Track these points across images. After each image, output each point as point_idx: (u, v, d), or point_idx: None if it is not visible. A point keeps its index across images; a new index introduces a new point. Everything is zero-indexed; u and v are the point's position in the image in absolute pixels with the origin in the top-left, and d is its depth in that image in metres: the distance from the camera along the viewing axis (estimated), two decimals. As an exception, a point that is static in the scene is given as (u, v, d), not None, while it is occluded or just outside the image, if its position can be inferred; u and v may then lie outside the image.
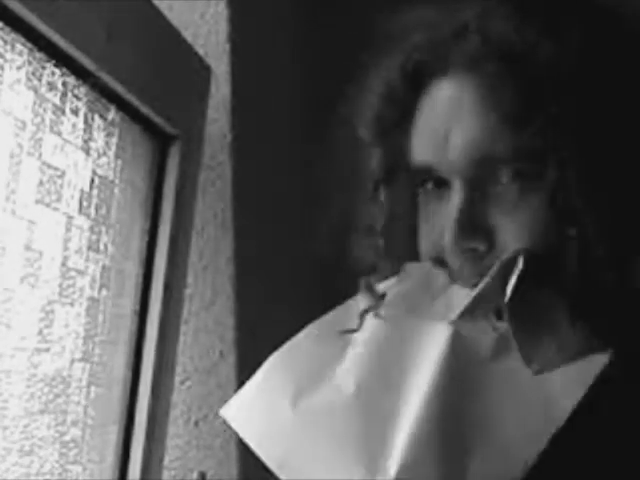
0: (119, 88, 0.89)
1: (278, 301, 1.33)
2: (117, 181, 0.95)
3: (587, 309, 0.62)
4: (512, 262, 0.63)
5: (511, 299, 0.62)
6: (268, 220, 1.32)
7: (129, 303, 1.01)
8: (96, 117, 0.89)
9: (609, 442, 0.63)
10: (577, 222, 0.62)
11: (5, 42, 0.72)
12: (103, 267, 0.93)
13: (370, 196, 0.72)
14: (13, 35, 0.73)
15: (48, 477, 0.84)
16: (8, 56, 0.73)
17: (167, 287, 1.04)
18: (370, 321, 0.70)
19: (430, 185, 0.68)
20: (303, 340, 0.74)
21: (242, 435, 0.71)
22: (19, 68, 0.75)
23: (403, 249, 0.72)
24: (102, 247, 0.92)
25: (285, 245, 1.35)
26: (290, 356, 0.73)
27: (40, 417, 0.82)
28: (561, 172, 0.62)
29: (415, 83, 0.69)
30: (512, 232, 0.64)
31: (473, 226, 0.64)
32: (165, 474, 1.12)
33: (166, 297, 1.04)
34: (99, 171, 0.91)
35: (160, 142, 1.05)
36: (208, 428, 1.15)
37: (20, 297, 0.77)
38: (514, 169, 0.64)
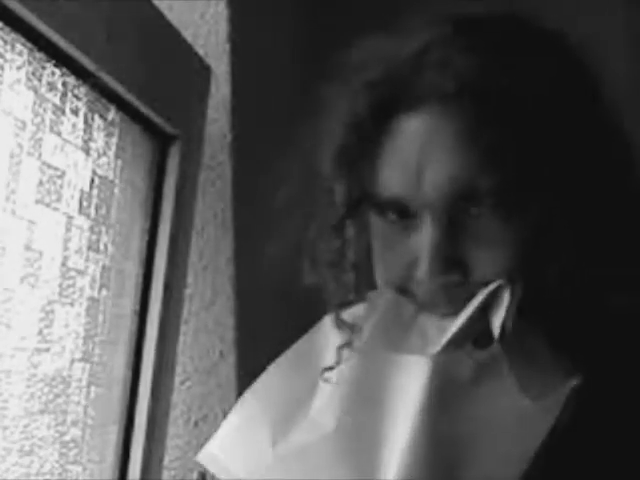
0: (119, 88, 0.89)
1: (278, 301, 1.33)
2: (117, 181, 0.95)
3: (562, 335, 0.64)
4: (493, 294, 0.64)
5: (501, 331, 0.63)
6: (268, 220, 1.32)
7: (129, 303, 1.01)
8: (96, 117, 0.89)
9: (588, 460, 0.65)
10: (558, 256, 0.64)
11: (5, 42, 0.72)
12: (103, 267, 0.93)
13: (334, 231, 0.72)
14: (13, 35, 0.73)
15: (48, 477, 0.84)
16: (8, 56, 0.73)
17: (167, 287, 1.04)
18: (347, 356, 0.69)
19: (393, 215, 0.68)
20: (273, 375, 0.73)
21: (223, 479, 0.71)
22: (19, 68, 0.75)
23: (368, 280, 0.72)
24: (102, 247, 0.93)
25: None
26: (263, 393, 0.73)
27: (40, 417, 0.82)
28: (544, 208, 0.64)
29: (380, 116, 0.68)
30: (486, 264, 0.65)
31: (448, 259, 0.65)
32: (165, 474, 1.12)
33: (166, 297, 1.04)
34: (99, 171, 0.91)
35: (160, 142, 1.05)
36: (208, 428, 1.15)
37: (20, 297, 0.77)
38: (489, 203, 0.65)
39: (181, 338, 1.13)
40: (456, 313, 0.65)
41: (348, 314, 0.71)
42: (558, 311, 0.64)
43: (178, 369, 1.12)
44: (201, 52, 1.14)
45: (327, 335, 0.72)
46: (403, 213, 0.67)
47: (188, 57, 1.08)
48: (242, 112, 1.21)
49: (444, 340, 0.64)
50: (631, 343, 0.66)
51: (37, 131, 0.78)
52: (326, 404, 0.68)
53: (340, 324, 0.71)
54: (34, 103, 0.77)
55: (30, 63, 0.76)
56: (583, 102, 0.67)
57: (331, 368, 0.69)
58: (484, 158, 0.64)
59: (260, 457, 0.68)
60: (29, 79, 0.76)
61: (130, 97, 0.92)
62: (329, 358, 0.70)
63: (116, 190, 0.95)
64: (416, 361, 0.65)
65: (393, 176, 0.67)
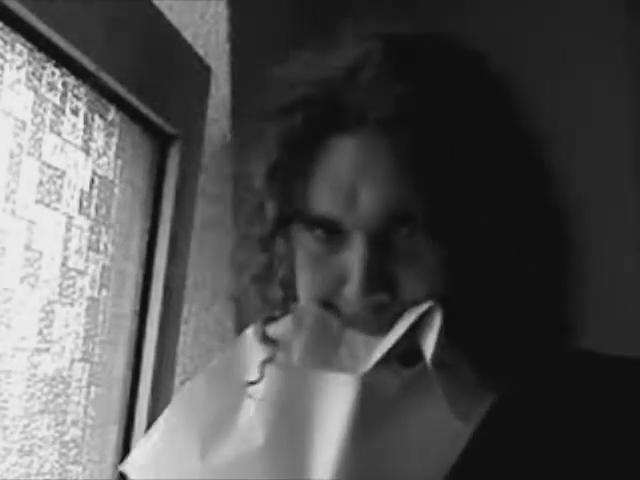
0: (119, 88, 0.89)
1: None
2: (117, 181, 0.95)
3: (481, 354, 0.66)
4: (423, 315, 0.65)
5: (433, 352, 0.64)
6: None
7: (129, 303, 1.01)
8: (96, 117, 0.89)
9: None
10: (484, 279, 0.66)
11: (5, 42, 0.72)
12: (103, 267, 0.93)
13: (262, 245, 0.72)
14: (13, 35, 0.73)
15: (48, 477, 0.84)
16: (8, 56, 0.73)
17: (167, 287, 1.04)
18: (273, 372, 0.70)
19: (322, 233, 0.68)
20: (198, 387, 0.73)
21: None
22: (19, 68, 0.75)
23: (294, 296, 0.72)
24: (102, 247, 0.93)
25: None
26: (190, 404, 0.73)
27: (40, 417, 0.82)
28: (472, 232, 0.65)
29: (314, 134, 0.68)
30: (415, 284, 0.66)
31: (377, 279, 0.66)
32: (165, 474, 1.12)
33: (166, 297, 1.04)
34: (99, 171, 0.91)
35: (160, 142, 1.05)
36: (208, 428, 1.15)
37: (20, 297, 0.77)
38: (421, 225, 0.66)
39: (181, 338, 1.13)
40: (382, 331, 0.66)
41: (273, 329, 0.71)
42: (481, 330, 0.66)
43: (178, 369, 1.12)
44: (201, 52, 1.14)
45: (251, 349, 0.72)
46: (333, 231, 0.68)
47: (188, 57, 1.08)
48: (242, 112, 1.21)
49: (374, 359, 0.65)
50: (541, 363, 0.68)
51: (37, 131, 0.78)
52: (253, 418, 0.69)
53: (264, 339, 0.71)
54: (34, 103, 0.77)
55: (30, 63, 0.76)
56: (503, 126, 0.68)
57: (254, 383, 0.69)
58: (417, 182, 0.64)
59: (189, 468, 0.69)
60: (29, 79, 0.76)
61: (130, 97, 0.92)
62: (253, 372, 0.70)
63: (116, 190, 0.95)
64: (344, 380, 0.66)
65: (326, 194, 0.67)
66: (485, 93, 0.68)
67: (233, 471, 0.67)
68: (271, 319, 0.72)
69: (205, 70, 1.12)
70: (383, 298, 0.66)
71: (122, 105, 0.93)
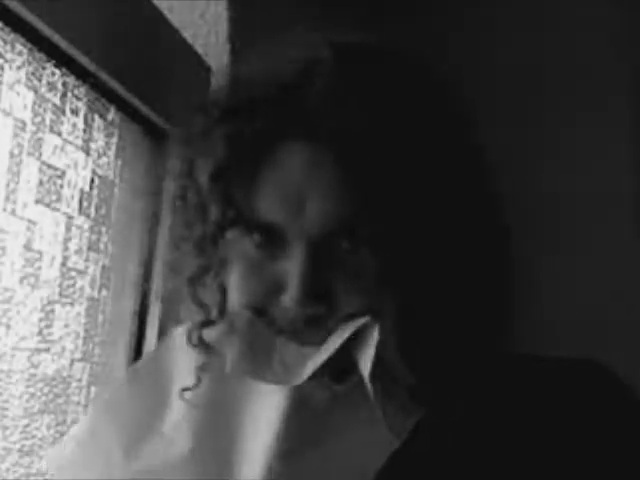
0: (119, 88, 0.89)
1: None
2: (117, 181, 0.95)
3: (419, 364, 0.65)
4: (359, 329, 0.64)
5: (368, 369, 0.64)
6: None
7: (129, 303, 1.01)
8: (96, 117, 0.89)
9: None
10: (415, 295, 0.65)
11: (5, 42, 0.72)
12: (103, 267, 0.93)
13: (200, 248, 0.70)
14: (13, 35, 0.73)
15: (48, 477, 0.84)
16: (8, 56, 0.73)
17: (167, 287, 1.04)
18: (205, 378, 0.69)
19: (258, 238, 0.67)
20: (124, 387, 0.72)
21: None
22: (19, 68, 0.75)
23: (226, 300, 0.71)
24: (102, 247, 0.93)
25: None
26: (115, 402, 0.72)
27: (40, 417, 0.82)
28: (412, 248, 0.65)
29: (263, 139, 0.67)
30: (352, 298, 0.66)
31: (315, 290, 0.65)
32: (165, 474, 1.12)
33: (166, 297, 1.04)
34: (99, 171, 0.91)
35: (160, 142, 1.05)
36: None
37: (20, 297, 0.77)
38: (362, 238, 0.65)
39: (181, 338, 1.12)
40: (316, 342, 0.65)
41: (206, 334, 0.70)
42: (419, 341, 0.65)
43: (178, 369, 1.12)
44: (201, 52, 1.14)
45: (179, 351, 0.71)
46: (273, 238, 0.67)
47: (188, 57, 1.08)
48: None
49: (308, 371, 0.64)
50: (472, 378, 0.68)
51: (37, 131, 0.78)
52: (181, 423, 0.68)
53: (200, 344, 0.70)
54: (34, 103, 0.77)
55: (30, 63, 0.76)
56: (450, 141, 0.67)
57: (189, 389, 0.69)
58: (361, 197, 0.64)
59: (111, 470, 0.68)
60: (29, 79, 0.76)
61: (130, 97, 0.92)
62: (182, 376, 0.70)
63: (116, 190, 0.95)
64: (276, 390, 0.66)
65: (271, 201, 0.66)
66: (431, 105, 0.68)
67: (156, 475, 0.67)
68: (206, 323, 0.70)
69: (205, 70, 1.12)
70: (319, 310, 0.65)
71: (122, 105, 0.93)
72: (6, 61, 0.73)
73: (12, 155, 0.74)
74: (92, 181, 0.89)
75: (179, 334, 0.72)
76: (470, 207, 0.67)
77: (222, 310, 0.70)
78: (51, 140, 0.80)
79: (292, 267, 0.65)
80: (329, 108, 0.65)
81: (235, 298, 0.69)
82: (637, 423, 0.68)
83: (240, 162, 0.67)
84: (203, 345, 0.69)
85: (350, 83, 0.66)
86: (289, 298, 0.65)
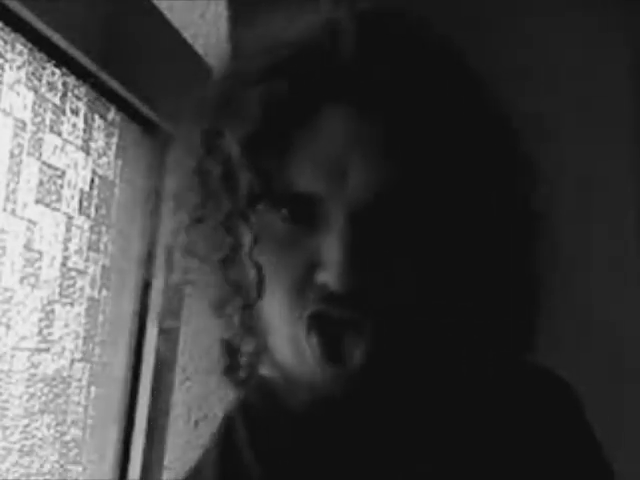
0: (119, 88, 0.89)
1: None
2: (117, 181, 0.95)
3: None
4: None
5: None
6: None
7: (129, 303, 1.01)
8: (96, 117, 0.89)
9: None
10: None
11: (5, 42, 0.72)
12: (103, 267, 0.93)
13: (229, 225, 0.64)
14: (13, 35, 0.73)
15: (48, 477, 0.84)
16: (8, 56, 0.73)
17: (167, 287, 1.04)
18: None
19: (287, 212, 0.62)
20: None
21: None
22: (19, 68, 0.75)
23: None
24: (102, 247, 0.93)
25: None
26: None
27: (40, 417, 0.82)
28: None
29: (300, 100, 0.62)
30: (388, 281, 0.61)
31: (360, 267, 0.59)
32: (165, 474, 1.12)
33: (166, 297, 1.04)
34: (99, 171, 0.91)
35: (160, 142, 1.04)
36: (208, 428, 1.15)
37: (20, 297, 0.77)
38: (403, 207, 0.62)
39: (181, 338, 1.13)
40: (355, 344, 0.60)
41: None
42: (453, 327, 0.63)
43: (178, 369, 1.12)
44: (201, 52, 1.14)
45: None
46: (303, 213, 0.62)
47: (188, 57, 1.08)
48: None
49: None
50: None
51: (37, 131, 0.78)
52: None
53: (245, 328, 0.66)
54: (34, 103, 0.77)
55: (30, 63, 0.76)
56: (481, 102, 0.65)
57: None
58: (406, 162, 0.61)
59: None
60: (29, 79, 0.76)
61: (130, 97, 0.92)
62: None
63: (116, 190, 0.95)
64: None
65: (309, 172, 0.61)
66: (458, 66, 0.65)
67: None
68: (247, 307, 0.65)
69: (205, 70, 1.12)
70: (365, 284, 0.59)
71: (122, 105, 0.93)
72: (6, 61, 0.73)
73: (12, 155, 0.74)
74: (92, 181, 0.89)
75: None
76: (499, 179, 0.64)
77: (261, 292, 0.63)
78: (51, 140, 0.80)
79: (332, 240, 0.60)
80: (365, 69, 0.61)
81: (274, 281, 0.63)
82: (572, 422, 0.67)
83: (274, 128, 0.62)
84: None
85: (381, 43, 0.62)
86: (329, 275, 0.59)
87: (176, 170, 0.70)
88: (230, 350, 0.70)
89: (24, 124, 0.76)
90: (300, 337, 0.61)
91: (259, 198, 0.62)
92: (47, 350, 0.82)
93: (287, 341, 0.62)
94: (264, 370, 0.68)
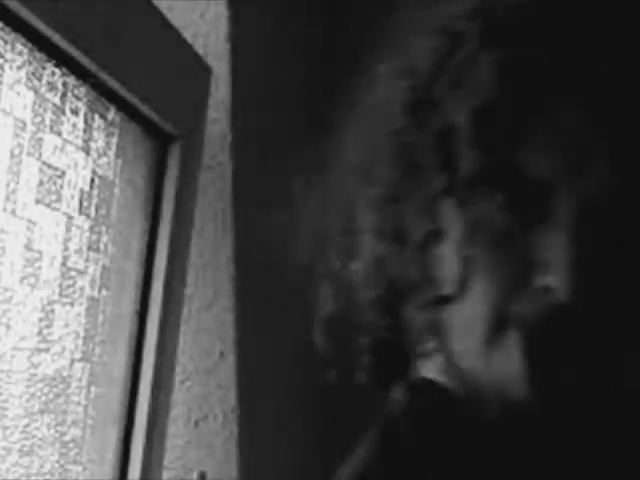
0: (119, 88, 0.89)
1: (278, 301, 1.33)
2: (117, 181, 0.95)
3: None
4: None
5: None
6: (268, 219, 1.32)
7: (129, 303, 1.01)
8: (96, 117, 0.89)
9: None
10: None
11: (5, 42, 0.72)
12: (103, 267, 0.93)
13: (430, 209, 0.57)
14: (13, 35, 0.73)
15: (48, 477, 0.84)
16: (8, 56, 0.73)
17: (167, 287, 1.04)
18: None
19: (504, 199, 0.55)
20: None
21: None
22: (19, 68, 0.75)
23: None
24: (102, 247, 0.92)
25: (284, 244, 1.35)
26: None
27: (40, 417, 0.82)
28: None
29: (538, 72, 0.54)
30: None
31: (591, 272, 0.52)
32: (165, 474, 1.12)
33: (166, 297, 1.04)
34: (99, 171, 0.91)
35: (160, 142, 1.05)
36: (208, 428, 1.15)
37: (20, 297, 0.77)
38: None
39: (181, 338, 1.13)
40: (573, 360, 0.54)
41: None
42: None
43: (178, 369, 1.12)
44: (201, 52, 1.14)
45: None
46: (528, 201, 0.54)
47: (188, 57, 1.08)
48: (242, 112, 1.21)
49: None
50: None
51: (37, 131, 0.78)
52: None
53: (429, 328, 0.59)
54: (34, 103, 0.77)
55: (30, 63, 0.76)
56: None
57: None
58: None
59: None
60: (29, 79, 0.76)
61: (130, 97, 0.92)
62: None
63: (116, 190, 0.95)
64: None
65: (542, 155, 0.54)
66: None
67: None
68: (442, 300, 0.57)
69: (205, 70, 1.12)
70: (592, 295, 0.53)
71: (122, 105, 0.93)
72: (6, 61, 0.73)
73: (12, 155, 0.74)
74: (92, 181, 0.89)
75: None
76: None
77: (465, 288, 0.56)
78: (51, 140, 0.80)
79: (560, 237, 0.52)
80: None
81: (479, 277, 0.55)
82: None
83: (510, 100, 0.54)
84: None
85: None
86: (553, 277, 0.52)
87: (361, 139, 0.62)
88: (386, 348, 0.62)
89: (24, 124, 0.76)
90: (504, 344, 0.55)
91: (481, 179, 0.55)
92: (47, 350, 0.82)
93: (483, 346, 0.56)
94: (429, 373, 0.62)
